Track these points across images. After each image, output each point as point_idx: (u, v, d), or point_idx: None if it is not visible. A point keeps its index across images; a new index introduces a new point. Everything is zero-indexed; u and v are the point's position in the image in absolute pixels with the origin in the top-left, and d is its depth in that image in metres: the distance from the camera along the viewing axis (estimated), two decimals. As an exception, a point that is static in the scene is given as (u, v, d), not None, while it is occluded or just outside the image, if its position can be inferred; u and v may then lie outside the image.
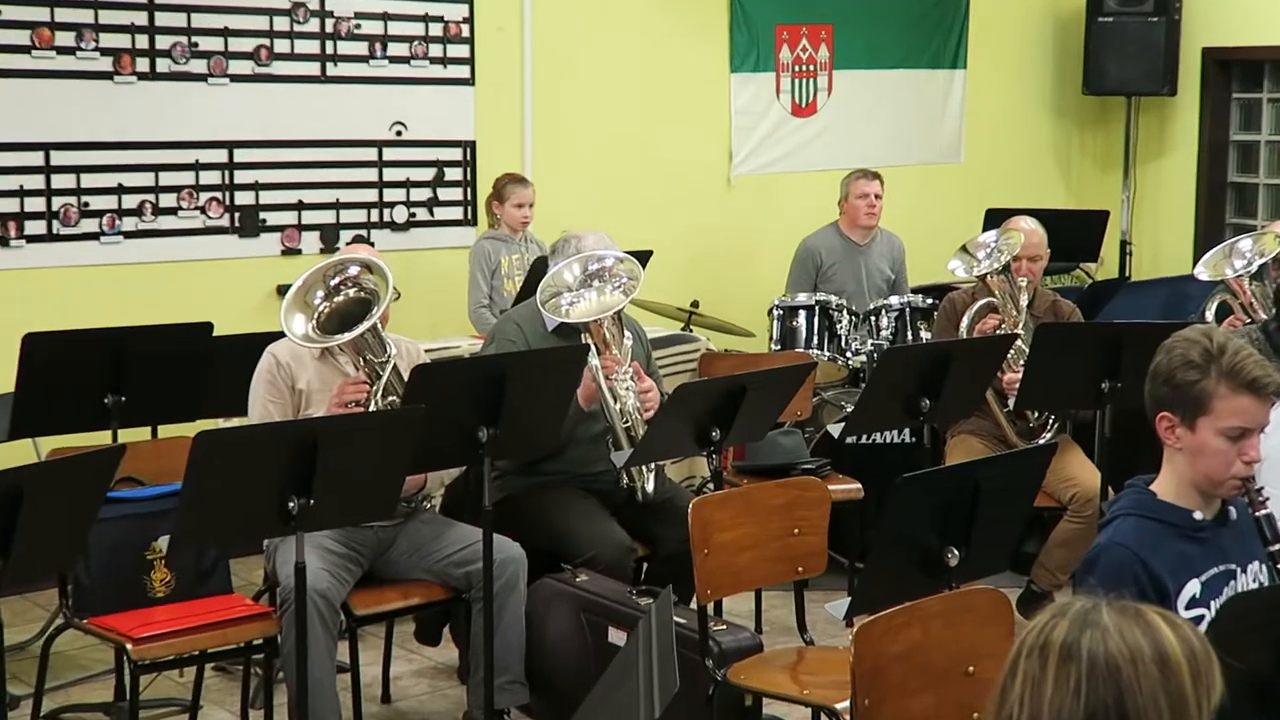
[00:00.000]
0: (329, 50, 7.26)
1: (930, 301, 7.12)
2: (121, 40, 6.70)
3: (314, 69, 7.23)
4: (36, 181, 6.56)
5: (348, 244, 7.13)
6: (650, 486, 5.13)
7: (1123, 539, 3.08)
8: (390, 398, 4.53)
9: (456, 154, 7.70)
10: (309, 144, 7.24)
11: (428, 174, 7.62)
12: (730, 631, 4.46)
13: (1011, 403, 5.73)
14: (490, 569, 4.53)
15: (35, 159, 6.55)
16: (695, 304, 7.57)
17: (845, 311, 7.20)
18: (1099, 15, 9.50)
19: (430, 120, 7.59)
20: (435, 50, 7.57)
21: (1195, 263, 6.16)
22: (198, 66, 6.90)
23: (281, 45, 7.12)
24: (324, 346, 4.62)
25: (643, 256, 6.09)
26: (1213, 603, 3.05)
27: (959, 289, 6.33)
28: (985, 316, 5.90)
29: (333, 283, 4.57)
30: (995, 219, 6.92)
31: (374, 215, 7.47)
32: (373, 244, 7.12)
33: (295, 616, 4.11)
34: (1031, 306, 5.93)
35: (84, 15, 6.59)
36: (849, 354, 7.18)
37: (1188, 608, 3.03)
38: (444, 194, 7.68)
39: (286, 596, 4.36)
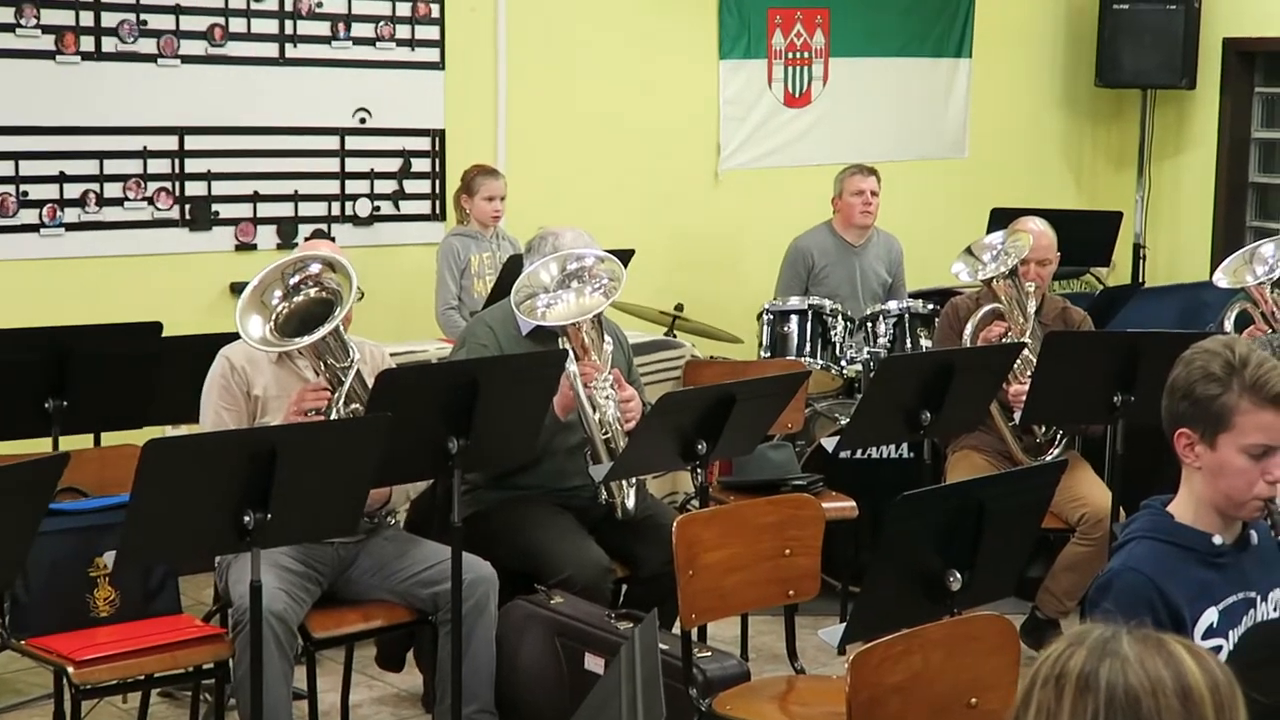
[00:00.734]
0: (288, 30, 7.26)
1: (931, 307, 7.15)
2: (64, 17, 6.69)
3: (272, 50, 7.23)
4: (-29, 169, 6.57)
5: (307, 239, 7.13)
6: (631, 503, 5.14)
7: (1138, 564, 3.09)
8: (353, 405, 4.53)
9: (424, 143, 7.71)
10: (266, 131, 7.24)
11: (393, 165, 7.63)
12: (716, 659, 4.47)
13: (1018, 416, 5.75)
14: (459, 589, 4.54)
15: (-30, 144, 6.55)
16: (680, 307, 7.58)
17: (840, 317, 7.22)
18: (1114, 2, 9.56)
19: (396, 107, 7.60)
20: (402, 31, 7.58)
21: (1214, 268, 6.21)
22: (146, 46, 6.89)
23: (237, 24, 7.12)
24: (282, 350, 4.62)
25: (624, 256, 6.10)
26: (1231, 632, 3.07)
27: (962, 294, 6.35)
28: (990, 324, 5.92)
29: (292, 281, 4.57)
30: (1001, 219, 6.96)
31: (335, 208, 7.48)
32: (334, 239, 7.13)
33: (249, 639, 4.11)
34: (1039, 314, 5.96)
35: (25, -10, 6.60)
36: (844, 362, 7.19)
37: (1205, 637, 3.05)
38: (410, 186, 7.69)
39: (240, 617, 4.36)
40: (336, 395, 4.54)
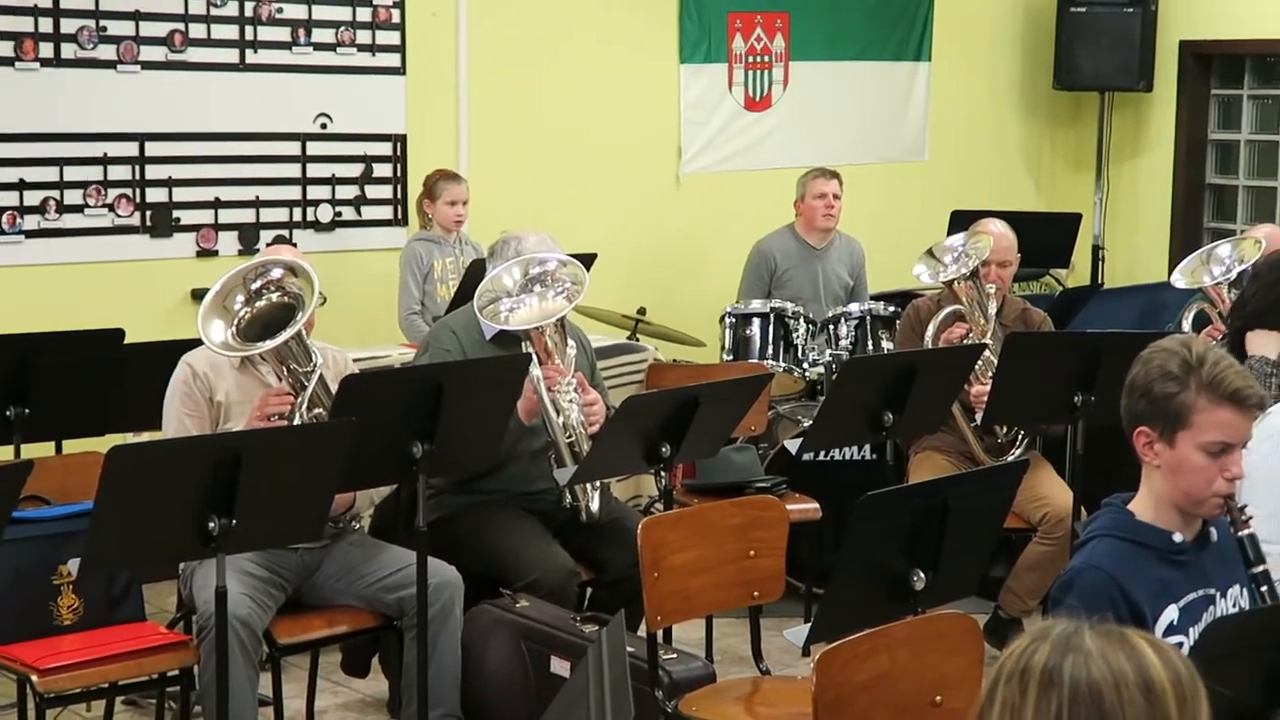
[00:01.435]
0: (249, 36, 7.24)
1: (892, 309, 7.17)
2: (23, 23, 6.66)
3: (232, 56, 7.21)
4: (-70, 176, 6.54)
5: (269, 245, 7.10)
6: (595, 506, 5.15)
7: (1099, 562, 3.12)
8: (316, 410, 4.53)
9: (386, 148, 7.70)
10: (227, 137, 7.22)
11: (355, 170, 7.61)
12: (681, 660, 4.48)
13: (979, 417, 5.79)
14: (424, 594, 4.54)
15: (-71, 151, 6.52)
16: (642, 311, 7.59)
17: (802, 319, 7.24)
18: (1071, 5, 9.61)
19: (358, 112, 7.58)
20: (363, 37, 7.57)
21: (1172, 269, 6.25)
22: (106, 52, 6.86)
23: (197, 30, 7.10)
24: (244, 355, 4.61)
25: (586, 260, 6.10)
26: (1191, 629, 3.10)
27: (923, 296, 6.38)
28: (951, 325, 5.95)
29: (253, 286, 4.56)
30: (961, 221, 6.99)
31: (297, 214, 7.46)
32: (296, 245, 7.08)
33: (214, 645, 4.10)
34: (1000, 315, 5.99)
35: (-17, -4, 6.57)
36: (806, 365, 7.22)
37: (1166, 635, 3.08)
38: (372, 192, 7.68)
39: (205, 624, 4.35)
40: (300, 400, 4.53)
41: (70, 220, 6.84)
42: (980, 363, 5.75)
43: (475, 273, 6.07)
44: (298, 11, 7.37)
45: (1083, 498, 5.39)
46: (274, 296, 4.57)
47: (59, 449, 5.54)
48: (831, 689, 3.33)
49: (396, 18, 7.66)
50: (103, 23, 6.84)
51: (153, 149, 7.02)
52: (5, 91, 6.63)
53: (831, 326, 7.26)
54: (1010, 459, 5.82)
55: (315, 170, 7.50)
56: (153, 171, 7.03)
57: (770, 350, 7.21)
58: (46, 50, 6.73)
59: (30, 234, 6.75)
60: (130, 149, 6.97)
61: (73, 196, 6.85)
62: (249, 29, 7.24)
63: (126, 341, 5.47)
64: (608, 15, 8.40)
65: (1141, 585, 3.09)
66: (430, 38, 7.78)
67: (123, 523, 3.78)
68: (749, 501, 4.67)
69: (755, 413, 6.07)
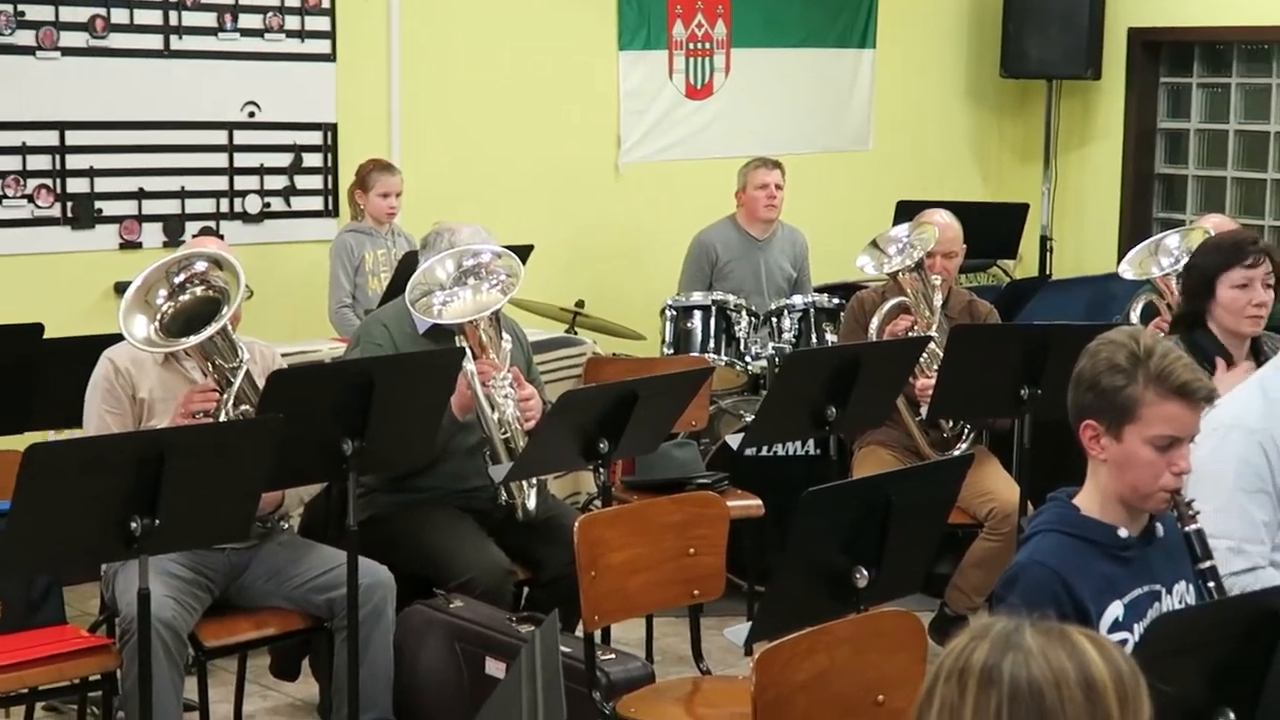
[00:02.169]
0: (173, 21, 7.19)
1: (836, 301, 7.20)
2: (-61, 8, 6.61)
3: (156, 42, 7.16)
4: None
5: (194, 237, 7.05)
6: (532, 504, 5.14)
7: (1043, 557, 3.14)
8: (243, 407, 4.51)
9: (316, 138, 7.67)
10: (151, 125, 7.16)
11: (284, 160, 7.58)
12: (619, 661, 4.48)
13: (924, 411, 5.81)
14: (355, 595, 4.52)
15: None
16: (580, 304, 7.59)
17: (744, 312, 7.26)
18: (1018, -8, 9.67)
19: (287, 100, 7.55)
20: (292, 23, 7.53)
21: (1121, 260, 6.28)
22: (25, 38, 6.80)
23: (119, 15, 7.04)
24: (168, 351, 4.59)
25: (523, 252, 6.10)
26: (1136, 626, 3.12)
27: (867, 288, 6.40)
28: (896, 317, 5.97)
29: (177, 280, 4.54)
30: (907, 212, 7.02)
31: (224, 205, 7.42)
32: (222, 237, 7.06)
33: (137, 649, 4.07)
34: (946, 307, 6.01)
35: (-104, -21, 6.51)
36: (748, 358, 7.23)
37: (1111, 631, 3.10)
38: (302, 182, 7.64)
39: (128, 627, 4.33)
40: (225, 397, 4.51)
41: (-12, 211, 6.79)
42: (925, 355, 5.77)
43: (408, 265, 6.05)
44: (224, -4, 7.33)
45: (1030, 493, 5.42)
46: (199, 290, 4.55)
47: (-24, 448, 5.48)
48: (772, 688, 3.33)
49: (326, 3, 7.62)
50: (20, 7, 6.77)
51: (74, 138, 6.96)
52: (-81, 78, 6.58)
53: (774, 319, 7.27)
54: (956, 453, 5.85)
55: (243, 160, 7.45)
56: (74, 161, 6.97)
57: (712, 343, 7.22)
58: (-38, 35, 6.68)
59: (-54, 226, 6.70)
60: (50, 138, 6.90)
61: (-10, 187, 6.80)
62: (173, 14, 7.18)
63: (46, 336, 5.42)
64: (545, 1, 8.38)
65: (1086, 581, 3.11)
66: (361, 24, 7.75)
67: (41, 523, 3.74)
68: (689, 498, 4.67)
69: (696, 407, 6.08)
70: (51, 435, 5.30)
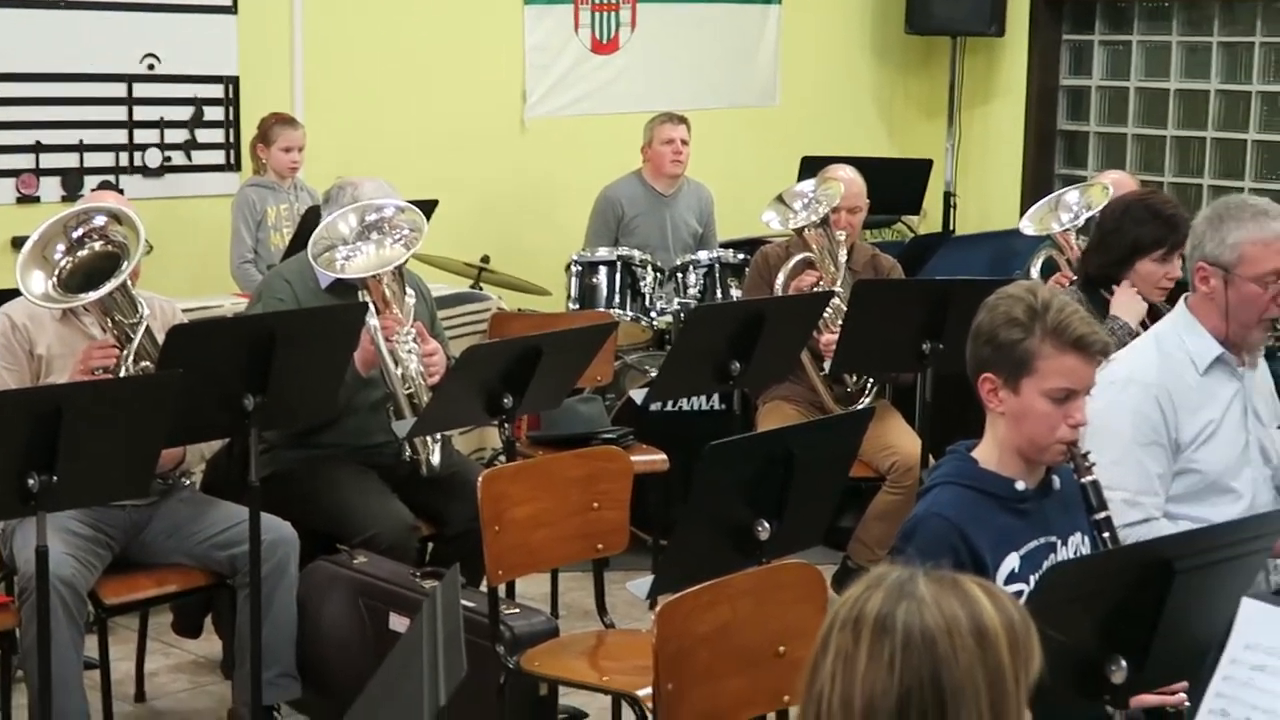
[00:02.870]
0: (70, -29, 7.10)
1: (741, 257, 7.22)
2: None
3: (53, -8, 7.07)
4: None
5: (93, 191, 6.98)
6: (436, 459, 5.13)
7: (941, 509, 3.18)
8: (143, 363, 4.48)
9: (217, 91, 7.58)
10: (48, 78, 7.06)
11: (184, 113, 7.49)
12: (524, 615, 4.50)
13: (828, 365, 5.85)
14: (257, 551, 4.51)
15: None
16: (485, 259, 7.57)
17: (649, 267, 7.27)
18: (923, -53, 9.69)
19: (187, 52, 7.45)
20: (192, -27, 7.45)
21: (1023, 216, 6.34)
22: (-84, -12, 6.70)
23: (14, -36, 6.95)
24: (66, 307, 4.55)
25: (427, 206, 6.07)
26: (1031, 577, 3.17)
27: (772, 243, 6.43)
28: (801, 273, 6.00)
29: (75, 235, 4.49)
30: (812, 167, 7.04)
31: (123, 159, 7.33)
32: (122, 191, 6.98)
33: (36, 607, 4.06)
34: (850, 262, 6.06)
35: None
36: (653, 313, 7.25)
37: (1007, 582, 3.15)
38: (203, 136, 7.56)
39: (26, 585, 4.30)
40: (125, 352, 4.47)
41: (-120, 165, 6.69)
42: (830, 310, 5.81)
43: (310, 220, 6.01)
44: (122, -55, 7.23)
45: (931, 446, 5.47)
46: (97, 245, 4.51)
47: None
48: (674, 640, 3.36)
49: (227, -47, 7.54)
50: (-87, -44, 6.67)
51: (-33, 90, 6.86)
52: None
53: (680, 274, 7.29)
54: (859, 408, 5.89)
55: (142, 113, 7.36)
56: (-32, 114, 6.88)
57: (617, 299, 7.23)
58: None
59: None
60: (-56, 90, 6.81)
61: (-118, 140, 6.69)
62: (71, -37, 7.09)
63: (-59, 292, 5.35)
64: (449, -47, 8.34)
65: (983, 533, 3.15)
66: (263, -25, 7.67)
67: (-64, 480, 3.71)
68: (592, 453, 4.68)
69: (602, 362, 6.09)
70: (-53, 392, 5.24)
